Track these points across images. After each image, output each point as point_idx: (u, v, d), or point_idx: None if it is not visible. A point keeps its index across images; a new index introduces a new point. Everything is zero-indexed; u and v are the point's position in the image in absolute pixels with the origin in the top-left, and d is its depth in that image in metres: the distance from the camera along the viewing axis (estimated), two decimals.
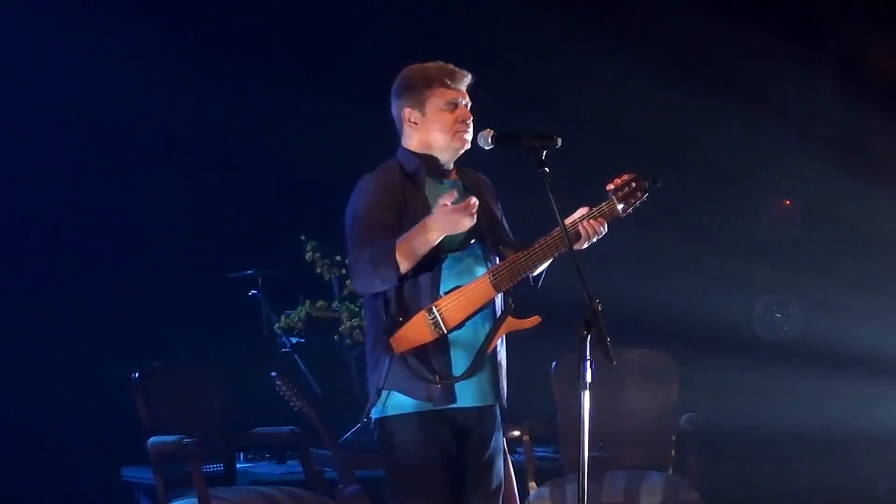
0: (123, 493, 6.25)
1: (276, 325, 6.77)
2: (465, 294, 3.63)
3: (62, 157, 6.70)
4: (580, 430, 3.28)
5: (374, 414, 3.71)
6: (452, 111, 3.73)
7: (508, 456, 4.09)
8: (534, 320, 3.68)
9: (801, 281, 7.36)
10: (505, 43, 7.08)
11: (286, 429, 5.56)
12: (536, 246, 3.64)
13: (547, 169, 3.48)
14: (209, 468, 5.33)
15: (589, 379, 3.28)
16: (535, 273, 3.77)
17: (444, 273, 3.65)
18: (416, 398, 3.63)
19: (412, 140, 3.77)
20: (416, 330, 3.61)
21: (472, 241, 3.69)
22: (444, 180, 3.78)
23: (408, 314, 3.61)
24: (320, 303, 6.53)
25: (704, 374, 6.23)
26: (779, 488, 6.54)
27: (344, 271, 6.28)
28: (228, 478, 5.53)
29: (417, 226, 3.56)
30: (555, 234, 3.60)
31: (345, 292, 6.42)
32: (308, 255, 6.42)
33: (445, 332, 3.62)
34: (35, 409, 6.50)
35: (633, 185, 3.71)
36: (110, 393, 6.03)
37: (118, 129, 6.80)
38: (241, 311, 7.12)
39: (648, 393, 5.72)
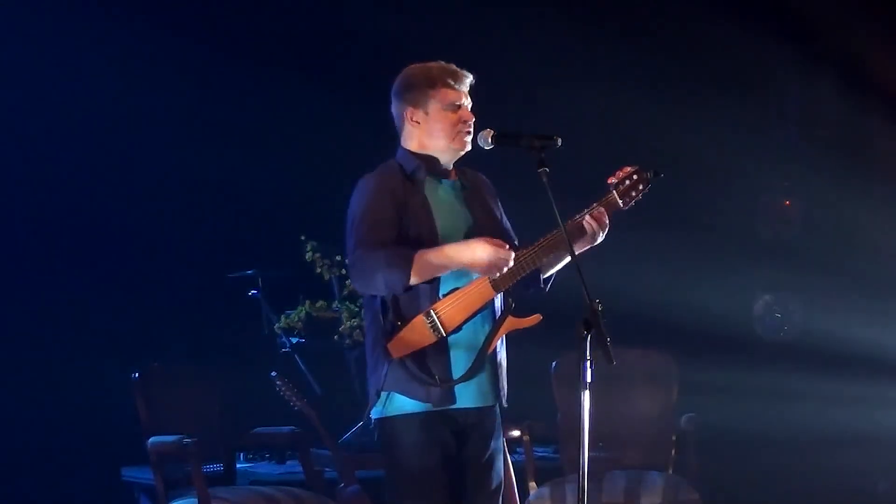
0: (123, 493, 6.24)
1: (276, 325, 6.77)
2: (463, 296, 3.63)
3: (62, 157, 6.69)
4: (580, 430, 3.27)
5: (374, 415, 3.71)
6: (455, 112, 3.72)
7: (508, 456, 4.09)
8: (534, 318, 3.68)
9: (801, 281, 7.36)
10: (504, 42, 7.07)
11: (286, 429, 5.56)
12: (536, 245, 3.64)
13: (547, 169, 3.49)
14: (209, 468, 5.33)
15: (589, 379, 3.27)
16: (547, 275, 3.78)
17: (443, 275, 3.64)
18: (415, 399, 3.63)
19: (413, 140, 3.76)
20: (415, 334, 3.60)
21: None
22: (444, 180, 3.77)
23: (406, 318, 3.60)
24: (320, 303, 6.53)
25: (704, 374, 6.23)
26: (779, 488, 6.54)
27: (344, 271, 6.28)
28: (228, 478, 5.53)
29: (449, 247, 3.56)
30: (555, 232, 3.59)
31: (345, 292, 6.41)
32: (308, 255, 6.42)
33: (445, 334, 3.61)
34: (35, 409, 6.50)
35: (635, 177, 3.71)
36: (110, 393, 6.03)
37: (118, 128, 6.80)
38: (241, 311, 7.12)
39: (648, 393, 5.72)
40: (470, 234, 3.68)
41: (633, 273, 6.78)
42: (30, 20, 6.65)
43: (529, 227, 3.77)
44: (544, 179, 3.47)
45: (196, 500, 4.95)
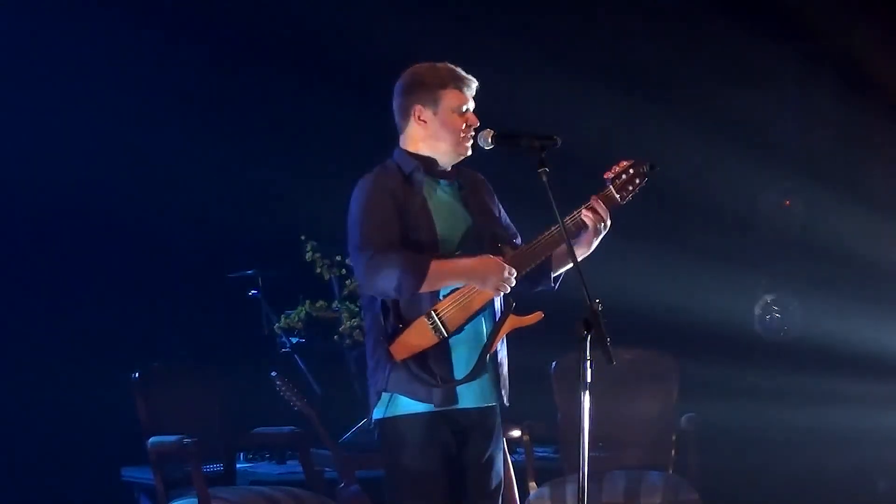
0: (123, 493, 6.25)
1: (276, 325, 6.77)
2: (464, 296, 3.63)
3: (62, 158, 6.69)
4: (580, 430, 3.27)
5: (375, 415, 3.70)
6: (462, 116, 3.72)
7: (508, 456, 4.09)
8: (536, 316, 3.67)
9: (801, 281, 7.36)
10: (504, 43, 7.07)
11: (286, 429, 5.56)
12: (535, 243, 3.64)
13: (547, 169, 3.49)
14: (209, 468, 5.33)
15: (589, 379, 3.27)
16: (557, 273, 3.78)
17: None
18: (418, 400, 3.63)
19: (415, 138, 3.75)
20: (417, 335, 3.60)
21: (470, 242, 3.68)
22: (441, 181, 3.77)
23: (408, 320, 3.60)
24: (320, 303, 6.52)
25: (704, 374, 6.23)
26: (779, 488, 6.54)
27: (344, 271, 6.27)
28: (228, 478, 5.53)
29: (463, 264, 3.58)
30: (554, 229, 3.60)
31: (345, 292, 6.41)
32: (308, 255, 6.41)
33: (446, 335, 3.61)
34: (35, 410, 6.51)
35: (631, 171, 3.71)
36: (110, 393, 6.03)
37: (119, 129, 6.79)
38: (241, 311, 7.12)
39: (648, 393, 5.71)
40: (468, 235, 3.68)
41: (634, 273, 6.78)
42: (30, 20, 6.65)
43: (530, 228, 3.77)
44: (544, 179, 3.47)
45: (196, 500, 4.95)
